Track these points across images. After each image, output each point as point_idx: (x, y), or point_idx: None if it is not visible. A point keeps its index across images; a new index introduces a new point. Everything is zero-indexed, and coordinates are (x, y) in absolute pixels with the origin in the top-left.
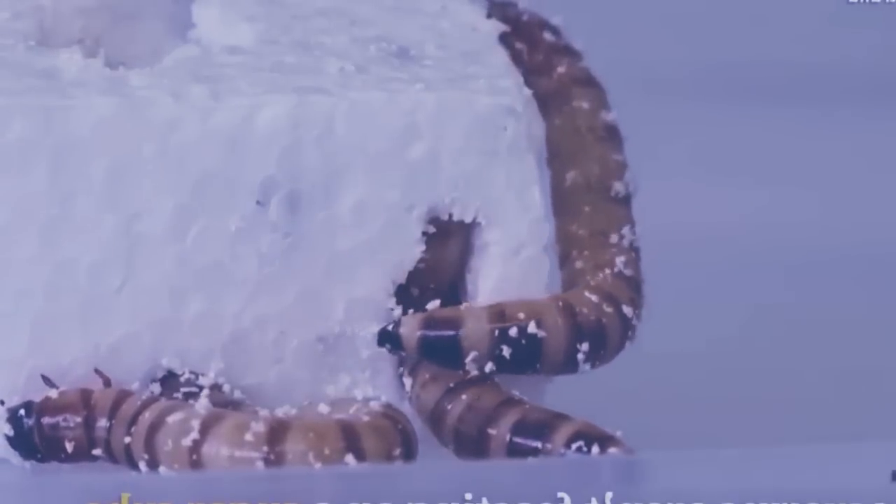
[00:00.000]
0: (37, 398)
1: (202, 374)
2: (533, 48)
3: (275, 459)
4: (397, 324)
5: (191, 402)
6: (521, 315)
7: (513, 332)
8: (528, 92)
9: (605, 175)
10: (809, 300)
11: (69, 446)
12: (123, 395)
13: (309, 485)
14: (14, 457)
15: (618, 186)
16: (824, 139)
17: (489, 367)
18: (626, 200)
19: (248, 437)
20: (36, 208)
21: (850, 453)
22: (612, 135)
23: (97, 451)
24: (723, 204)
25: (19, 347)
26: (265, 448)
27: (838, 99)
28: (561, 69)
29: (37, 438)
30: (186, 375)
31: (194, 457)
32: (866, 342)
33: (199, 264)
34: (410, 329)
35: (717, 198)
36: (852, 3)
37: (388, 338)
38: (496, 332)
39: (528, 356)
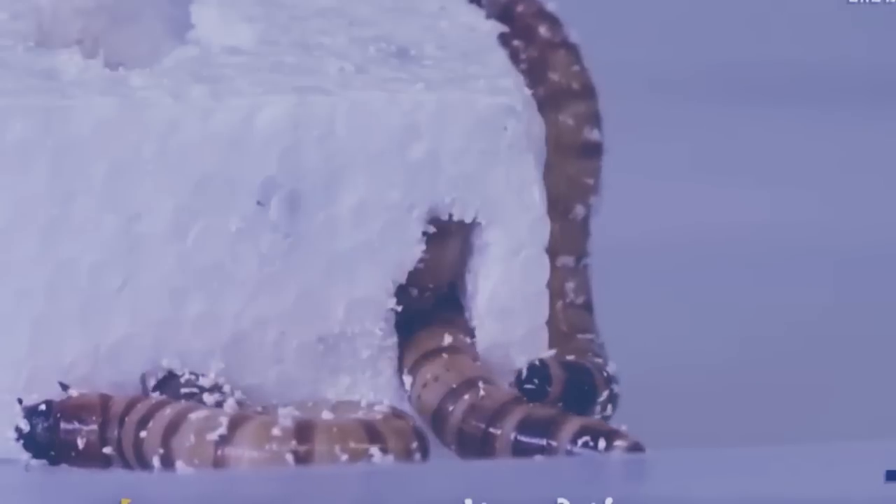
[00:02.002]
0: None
1: (202, 375)
2: (528, 42)
3: (303, 456)
4: (543, 363)
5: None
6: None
7: (611, 369)
8: (527, 91)
9: (569, 195)
10: (808, 301)
11: (81, 444)
12: (140, 398)
13: (311, 487)
14: (23, 454)
15: (578, 209)
16: (824, 139)
17: (610, 408)
18: (583, 223)
19: (276, 431)
20: (36, 209)
21: (845, 453)
22: (590, 154)
23: (108, 450)
24: (723, 204)
25: (20, 347)
26: (294, 442)
27: (838, 99)
28: (554, 75)
29: (52, 437)
30: (187, 376)
31: (220, 452)
32: (864, 342)
33: (199, 265)
34: (557, 371)
35: (718, 198)
36: (852, 3)
37: (538, 373)
38: (607, 374)
39: (616, 393)
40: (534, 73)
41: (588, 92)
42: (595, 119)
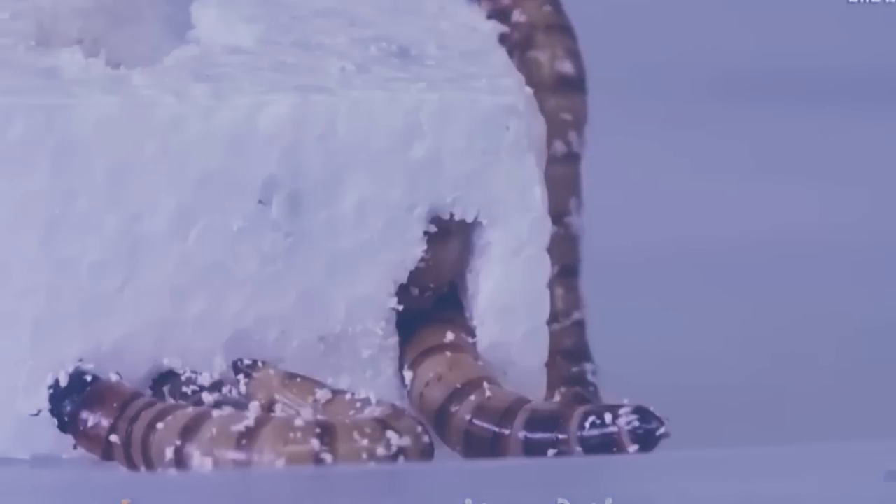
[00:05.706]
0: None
1: (203, 374)
2: None
3: (328, 449)
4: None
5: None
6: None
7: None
8: (529, 91)
9: (547, 132)
10: (809, 301)
11: (92, 423)
12: (160, 399)
13: (310, 487)
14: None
15: (557, 146)
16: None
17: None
18: (566, 160)
19: (299, 422)
20: (37, 208)
21: (845, 453)
22: (566, 87)
23: (114, 438)
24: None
25: (21, 347)
26: (318, 430)
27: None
28: (523, 17)
29: (73, 407)
30: (187, 374)
31: (242, 443)
32: (864, 341)
33: (200, 264)
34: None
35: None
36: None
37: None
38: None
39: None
40: (504, 18)
41: (560, 28)
42: (569, 53)
